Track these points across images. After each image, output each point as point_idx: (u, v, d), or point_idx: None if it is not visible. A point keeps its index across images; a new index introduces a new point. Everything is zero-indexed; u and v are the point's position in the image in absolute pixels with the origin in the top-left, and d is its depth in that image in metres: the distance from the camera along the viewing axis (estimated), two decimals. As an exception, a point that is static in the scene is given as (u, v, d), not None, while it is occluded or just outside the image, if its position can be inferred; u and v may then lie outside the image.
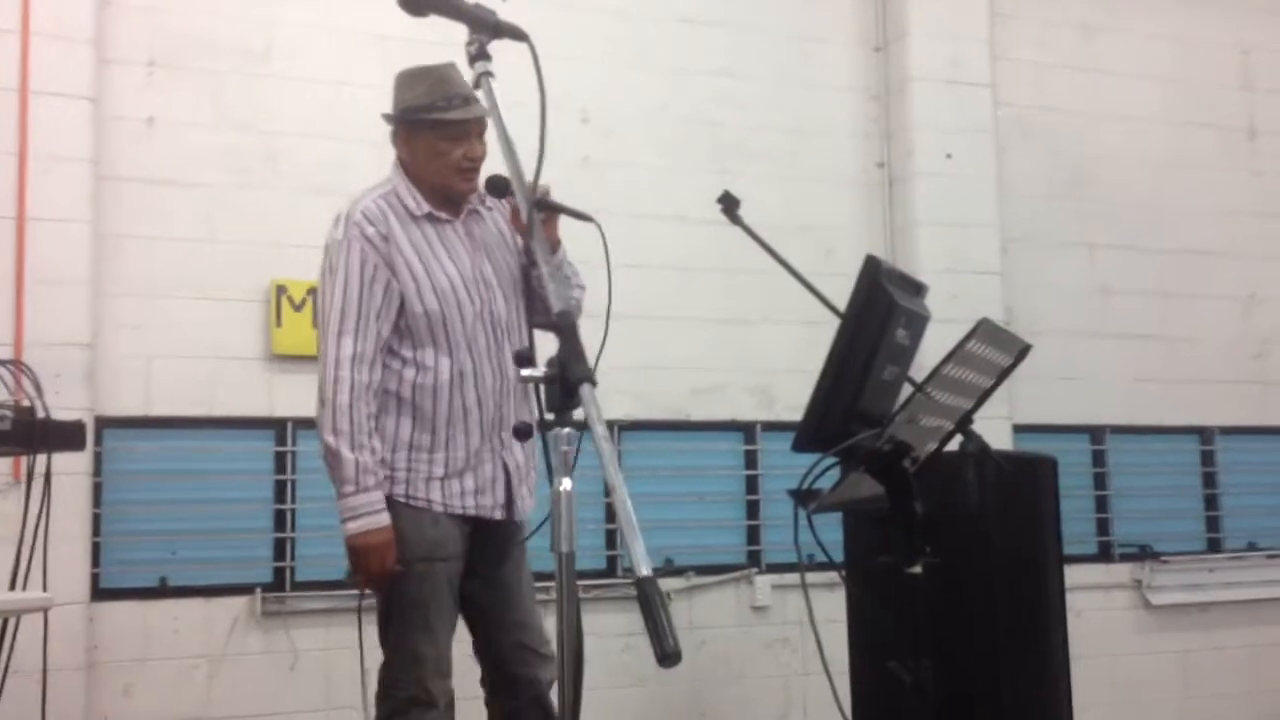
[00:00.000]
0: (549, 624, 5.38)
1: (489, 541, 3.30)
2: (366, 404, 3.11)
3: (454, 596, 3.23)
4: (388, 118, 3.33)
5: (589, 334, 2.20)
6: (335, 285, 3.16)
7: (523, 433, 2.85)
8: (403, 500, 3.17)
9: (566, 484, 1.95)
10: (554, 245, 3.31)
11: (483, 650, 3.35)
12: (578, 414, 2.00)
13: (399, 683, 3.18)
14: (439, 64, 3.27)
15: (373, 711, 3.25)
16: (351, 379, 3.10)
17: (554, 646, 3.35)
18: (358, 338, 3.12)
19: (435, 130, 3.22)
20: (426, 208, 3.25)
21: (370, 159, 5.10)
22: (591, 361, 2.02)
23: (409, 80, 3.28)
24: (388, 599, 3.20)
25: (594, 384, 1.96)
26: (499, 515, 3.26)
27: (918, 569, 2.78)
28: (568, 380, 1.97)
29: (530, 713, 3.30)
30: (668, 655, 1.67)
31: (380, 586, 3.17)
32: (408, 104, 3.26)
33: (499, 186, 3.16)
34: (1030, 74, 6.30)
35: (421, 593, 3.16)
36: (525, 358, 2.05)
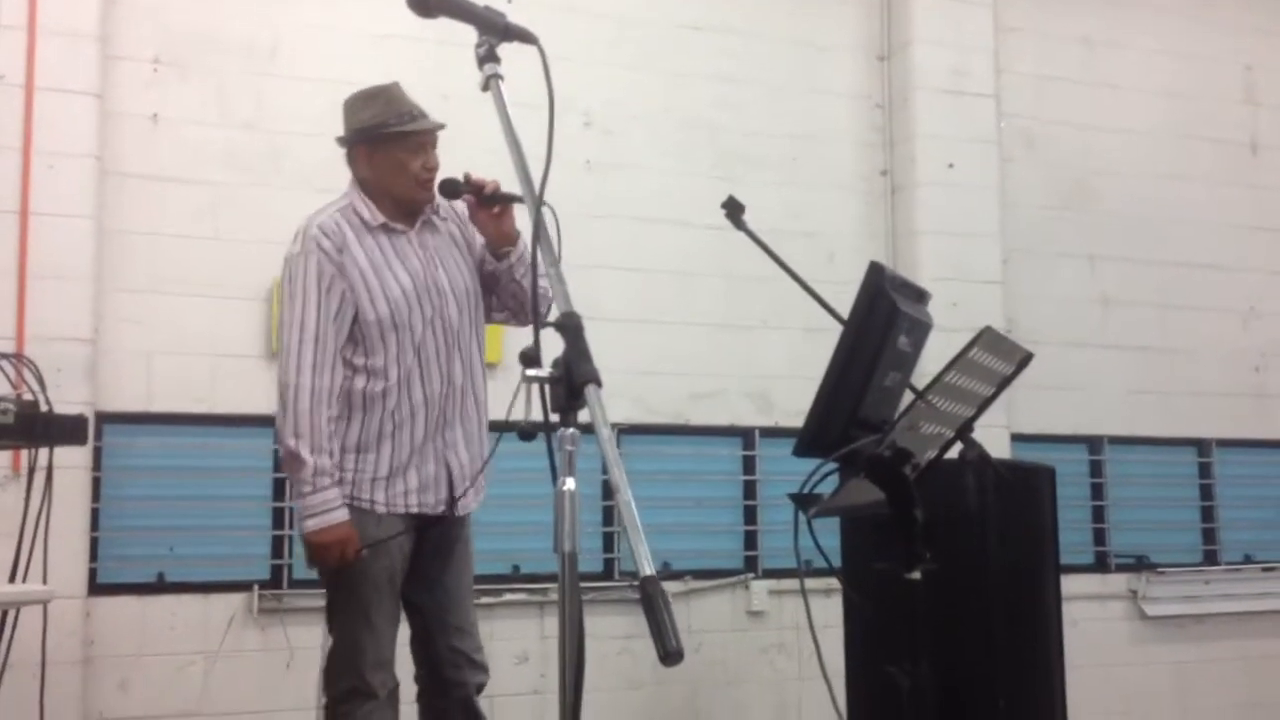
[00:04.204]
0: (550, 624, 5.41)
1: (432, 543, 3.42)
2: (327, 407, 3.24)
3: (395, 594, 3.35)
4: (342, 140, 3.44)
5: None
6: (294, 296, 3.30)
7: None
8: (348, 501, 3.28)
9: (570, 484, 1.95)
10: (510, 239, 3.42)
11: (418, 650, 3.47)
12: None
13: (341, 673, 3.31)
14: (385, 84, 3.43)
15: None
16: (312, 385, 3.23)
17: (484, 653, 3.46)
18: (316, 345, 3.26)
19: (397, 144, 3.35)
20: (381, 219, 3.38)
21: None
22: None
23: (361, 103, 3.41)
24: (334, 592, 3.35)
25: (599, 385, 1.97)
26: (441, 510, 3.37)
27: (917, 575, 2.79)
28: (573, 381, 1.97)
29: (455, 715, 3.43)
30: (670, 654, 1.68)
31: (340, 579, 3.30)
32: (365, 124, 3.38)
33: (450, 189, 3.34)
34: (1033, 86, 6.32)
35: (364, 589, 3.29)
36: (530, 357, 2.04)
